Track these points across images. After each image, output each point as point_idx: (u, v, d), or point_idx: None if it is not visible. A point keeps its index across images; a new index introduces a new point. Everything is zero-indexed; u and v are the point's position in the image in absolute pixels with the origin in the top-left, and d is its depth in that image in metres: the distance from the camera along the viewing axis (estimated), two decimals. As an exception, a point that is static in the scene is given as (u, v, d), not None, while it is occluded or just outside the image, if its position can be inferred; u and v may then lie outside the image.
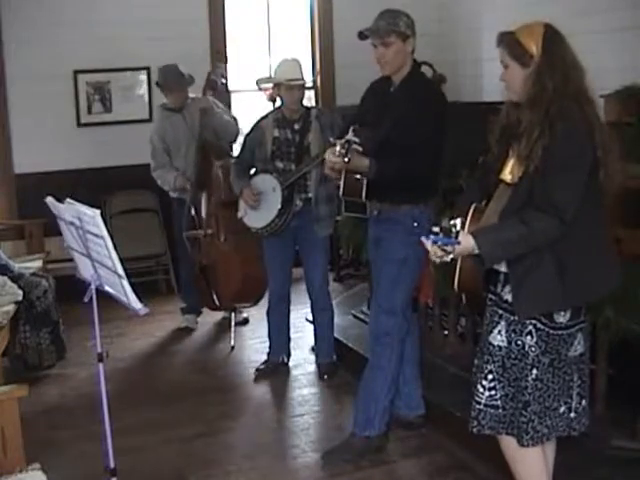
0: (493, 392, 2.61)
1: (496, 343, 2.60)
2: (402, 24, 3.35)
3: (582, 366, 2.62)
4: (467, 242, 2.42)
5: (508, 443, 2.66)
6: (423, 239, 2.40)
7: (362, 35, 3.40)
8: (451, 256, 2.41)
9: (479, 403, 2.63)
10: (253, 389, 4.52)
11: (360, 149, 3.21)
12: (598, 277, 2.53)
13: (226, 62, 5.16)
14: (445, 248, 2.37)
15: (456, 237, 2.34)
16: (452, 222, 2.35)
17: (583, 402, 2.64)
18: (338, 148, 3.18)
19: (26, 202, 5.96)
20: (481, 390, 2.63)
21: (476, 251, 2.43)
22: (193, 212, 5.18)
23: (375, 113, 3.47)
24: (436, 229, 2.38)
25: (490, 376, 2.61)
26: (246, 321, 5.60)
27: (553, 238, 2.44)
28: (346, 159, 3.17)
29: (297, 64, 4.32)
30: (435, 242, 2.37)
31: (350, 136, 3.19)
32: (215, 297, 5.15)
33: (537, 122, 2.42)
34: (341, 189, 3.47)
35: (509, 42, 2.51)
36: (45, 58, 6.03)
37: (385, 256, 3.50)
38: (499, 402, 2.61)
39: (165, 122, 5.23)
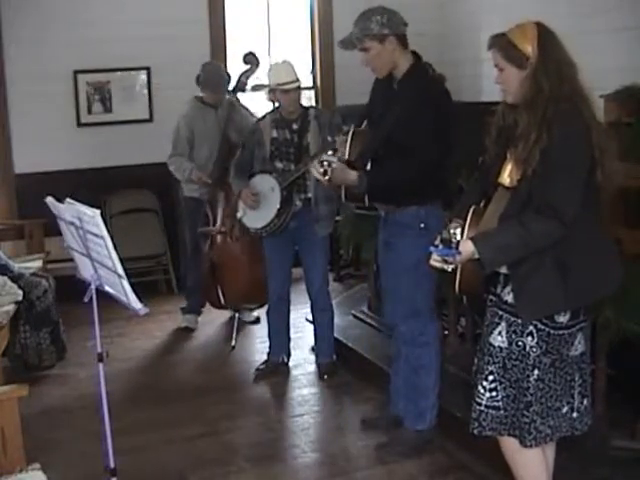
0: (494, 393, 2.60)
1: (496, 344, 2.59)
2: (374, 26, 3.27)
3: (583, 365, 2.62)
4: (467, 248, 2.42)
5: (508, 444, 2.66)
6: (431, 249, 2.41)
7: (340, 47, 3.44)
8: (452, 266, 2.42)
9: (480, 404, 2.63)
10: (253, 389, 4.52)
11: (338, 166, 3.22)
12: (600, 277, 2.52)
13: (258, 65, 5.19)
14: (446, 259, 2.37)
15: (456, 247, 2.35)
16: (452, 232, 2.35)
17: (585, 401, 2.64)
18: (317, 167, 3.22)
19: (26, 202, 5.95)
20: (482, 391, 2.62)
21: (476, 256, 2.43)
22: (208, 209, 5.19)
23: (378, 111, 3.46)
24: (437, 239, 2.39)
25: (491, 377, 2.60)
26: (257, 320, 5.59)
27: (554, 240, 2.43)
28: (327, 177, 3.21)
29: (288, 66, 4.30)
30: (436, 253, 2.38)
31: (326, 156, 3.19)
32: (220, 295, 5.14)
33: (534, 125, 2.41)
34: (343, 195, 3.47)
35: (503, 45, 2.50)
36: (45, 58, 6.02)
37: (398, 263, 3.49)
38: (500, 403, 2.60)
39: (197, 113, 5.22)
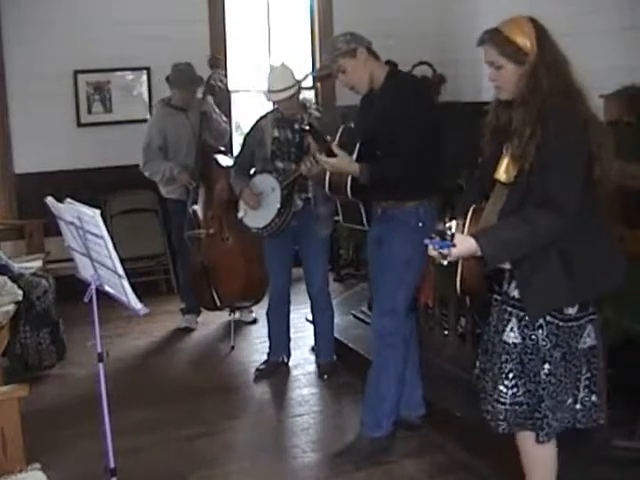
0: (515, 389, 2.57)
1: (511, 341, 2.56)
2: (341, 44, 3.39)
3: (593, 359, 2.59)
4: (469, 244, 2.39)
5: (529, 439, 2.64)
6: (426, 241, 2.38)
7: (318, 78, 3.48)
8: (448, 259, 2.38)
9: (504, 404, 2.58)
10: (253, 389, 4.52)
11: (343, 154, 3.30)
12: (604, 272, 2.50)
13: (221, 67, 5.22)
14: (441, 251, 2.35)
15: (451, 240, 2.33)
16: (447, 224, 2.34)
17: (593, 397, 2.60)
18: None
19: (26, 202, 5.96)
20: (504, 391, 2.57)
21: (478, 253, 2.40)
22: (192, 212, 5.19)
23: (362, 118, 3.52)
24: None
25: (511, 375, 2.56)
26: (255, 321, 5.60)
27: (556, 234, 2.41)
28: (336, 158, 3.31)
29: (282, 73, 4.24)
30: (431, 245, 2.36)
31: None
32: (215, 297, 5.14)
33: (529, 121, 2.39)
34: (326, 185, 3.49)
35: (499, 41, 2.45)
36: (45, 58, 6.03)
37: (388, 257, 3.47)
38: (522, 398, 2.57)
39: (167, 119, 5.22)
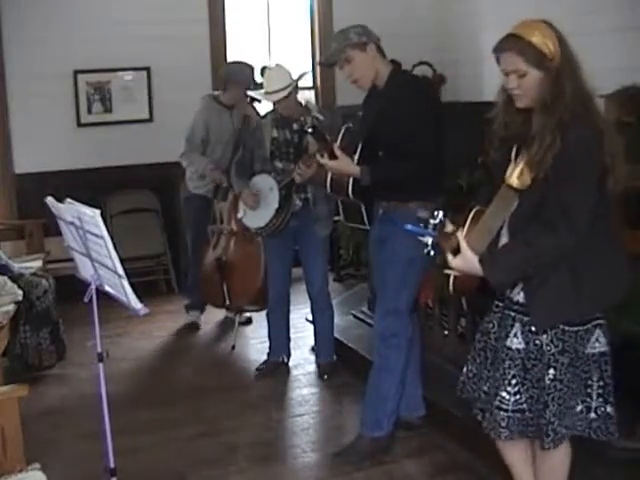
0: (518, 396, 2.51)
1: (514, 346, 2.51)
2: (353, 35, 3.37)
3: (604, 367, 2.52)
4: (473, 264, 2.37)
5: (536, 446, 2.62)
6: (407, 227, 2.34)
7: (323, 65, 3.45)
8: (430, 250, 2.34)
9: (506, 411, 2.52)
10: (253, 389, 4.52)
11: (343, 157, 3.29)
12: (609, 286, 2.46)
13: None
14: (421, 239, 2.31)
15: (433, 229, 2.29)
16: (435, 213, 2.32)
17: (608, 408, 2.53)
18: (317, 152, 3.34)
19: (26, 202, 5.97)
20: (507, 397, 2.52)
21: (480, 274, 2.38)
22: (218, 208, 5.21)
23: (364, 117, 3.52)
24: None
25: (514, 381, 2.51)
26: (249, 321, 5.60)
27: (566, 251, 2.36)
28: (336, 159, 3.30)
29: (277, 73, 4.23)
30: (410, 231, 2.32)
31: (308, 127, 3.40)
32: (226, 295, 5.07)
33: (549, 128, 2.32)
34: (328, 185, 3.50)
35: (522, 48, 2.34)
36: (45, 58, 6.03)
37: (391, 257, 3.46)
38: (525, 405, 2.52)
39: (213, 114, 5.22)
